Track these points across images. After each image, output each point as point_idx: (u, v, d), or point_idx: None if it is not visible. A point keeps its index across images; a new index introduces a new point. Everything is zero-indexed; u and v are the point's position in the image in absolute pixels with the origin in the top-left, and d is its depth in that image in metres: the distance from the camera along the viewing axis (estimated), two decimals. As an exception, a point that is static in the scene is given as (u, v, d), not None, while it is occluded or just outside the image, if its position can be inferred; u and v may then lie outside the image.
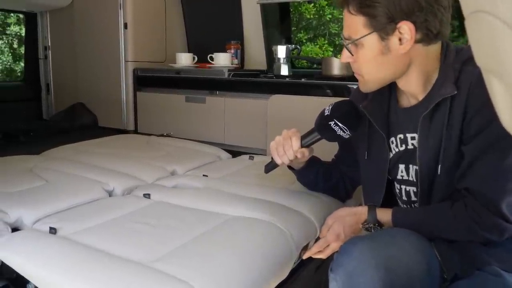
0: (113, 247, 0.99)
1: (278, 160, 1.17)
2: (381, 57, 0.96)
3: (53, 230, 1.07)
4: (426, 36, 0.93)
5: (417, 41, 0.93)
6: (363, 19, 0.94)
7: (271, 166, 1.23)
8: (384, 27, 0.93)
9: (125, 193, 1.42)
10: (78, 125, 2.82)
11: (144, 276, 0.87)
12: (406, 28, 0.91)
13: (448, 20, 0.95)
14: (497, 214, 0.93)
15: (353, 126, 1.09)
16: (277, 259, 1.04)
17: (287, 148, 1.14)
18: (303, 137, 1.15)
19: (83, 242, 1.01)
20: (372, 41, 0.95)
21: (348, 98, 1.19)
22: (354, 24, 0.96)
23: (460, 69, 0.95)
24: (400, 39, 0.93)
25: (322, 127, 1.10)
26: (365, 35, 0.95)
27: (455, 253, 0.95)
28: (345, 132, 1.08)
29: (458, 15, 0.49)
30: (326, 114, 1.09)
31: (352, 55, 0.99)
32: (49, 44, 3.07)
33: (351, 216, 1.08)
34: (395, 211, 1.05)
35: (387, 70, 0.99)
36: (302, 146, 1.14)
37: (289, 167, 1.27)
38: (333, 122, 1.07)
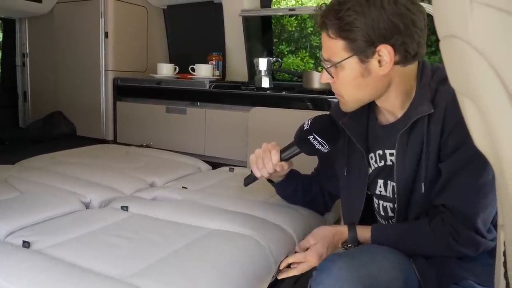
0: (89, 262, 0.97)
1: (257, 173, 1.17)
2: (361, 79, 0.97)
3: (26, 244, 1.04)
4: (404, 57, 0.95)
5: (395, 63, 0.95)
6: (342, 43, 0.95)
7: (250, 179, 1.23)
8: (363, 50, 0.94)
9: (102, 205, 1.39)
10: (56, 134, 2.77)
11: (120, 292, 0.85)
12: (385, 51, 0.93)
13: (425, 40, 0.97)
14: (473, 230, 0.95)
15: (331, 141, 1.10)
16: (255, 273, 1.04)
17: (267, 161, 1.14)
18: (282, 151, 1.15)
19: (58, 256, 0.99)
20: (352, 64, 0.96)
21: (327, 112, 1.20)
22: (334, 47, 0.97)
23: (436, 88, 0.97)
24: (379, 61, 0.95)
25: (301, 141, 1.11)
26: (345, 59, 0.96)
27: (433, 269, 0.97)
28: (323, 146, 1.09)
29: (435, 30, 0.50)
30: (305, 128, 1.10)
31: (332, 77, 1.01)
32: (27, 51, 3.01)
33: (334, 236, 1.09)
34: (374, 228, 1.06)
35: (367, 91, 1.01)
36: (281, 159, 1.15)
37: (268, 180, 1.28)
38: (312, 136, 1.08)
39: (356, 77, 0.97)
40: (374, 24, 0.91)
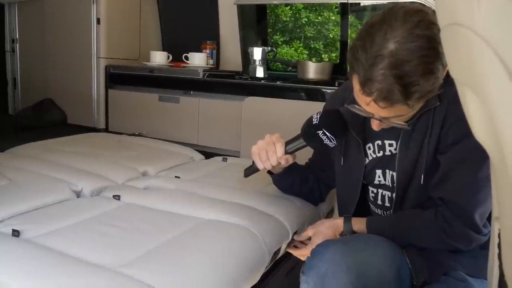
0: (79, 251, 0.95)
1: (260, 165, 1.15)
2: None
3: (16, 233, 1.02)
4: None
5: None
6: (406, 106, 0.89)
7: (251, 170, 1.21)
8: None
9: (93, 194, 1.38)
10: (46, 122, 2.73)
11: (111, 282, 0.84)
12: None
13: None
14: (468, 225, 0.95)
15: (339, 135, 1.08)
16: (249, 263, 1.03)
17: (271, 154, 1.12)
18: (287, 143, 1.13)
19: (48, 245, 0.97)
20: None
21: (322, 103, 1.19)
22: (404, 108, 0.90)
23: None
24: None
25: (309, 136, 1.09)
26: (413, 112, 0.93)
27: (425, 260, 0.97)
28: (331, 142, 1.07)
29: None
30: (314, 122, 1.07)
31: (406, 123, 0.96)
32: (17, 37, 2.96)
33: (329, 228, 1.09)
34: (369, 219, 1.07)
35: None
36: (286, 152, 1.13)
37: (268, 171, 1.27)
38: (322, 131, 1.06)
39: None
40: (435, 83, 0.87)
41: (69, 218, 1.13)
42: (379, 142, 1.07)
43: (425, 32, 0.83)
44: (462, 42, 0.42)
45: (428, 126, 0.97)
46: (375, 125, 0.97)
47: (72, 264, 0.89)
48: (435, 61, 0.84)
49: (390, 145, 1.05)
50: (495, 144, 0.45)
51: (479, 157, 0.89)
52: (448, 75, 0.96)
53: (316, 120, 1.07)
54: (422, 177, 0.99)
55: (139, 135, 2.39)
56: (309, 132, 1.08)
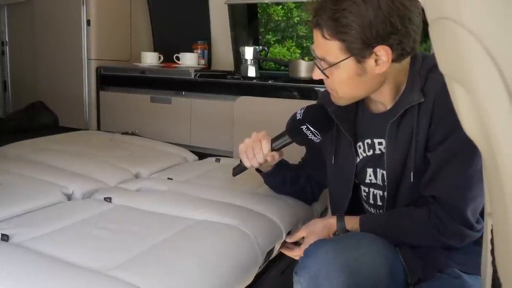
0: (70, 255, 0.94)
1: (247, 163, 1.15)
2: (357, 78, 0.95)
3: (5, 237, 1.01)
4: (401, 55, 0.94)
5: (392, 61, 0.93)
6: (338, 44, 0.92)
7: (239, 169, 1.21)
8: (360, 51, 0.91)
9: (85, 196, 1.36)
10: (38, 125, 2.70)
11: (101, 285, 0.83)
12: (382, 52, 0.91)
13: (420, 36, 0.95)
14: (461, 222, 0.95)
15: (324, 131, 1.08)
16: (242, 264, 1.02)
17: (257, 151, 1.12)
18: (273, 140, 1.14)
19: (38, 249, 0.96)
20: (348, 64, 0.93)
21: (315, 101, 1.19)
22: (329, 47, 0.94)
23: (426, 76, 0.96)
24: (376, 61, 0.92)
25: (293, 131, 1.09)
26: (341, 60, 0.93)
27: (419, 258, 0.97)
28: (316, 136, 1.07)
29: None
30: (298, 118, 1.08)
31: (327, 76, 0.98)
32: (7, 39, 2.93)
33: (323, 228, 1.09)
34: (362, 218, 1.07)
35: (362, 89, 0.99)
36: (272, 149, 1.13)
37: (257, 169, 1.26)
38: (305, 126, 1.06)
39: (351, 76, 0.95)
40: (371, 25, 0.88)
41: (59, 222, 1.12)
42: (369, 140, 1.07)
43: None
44: (450, 36, 0.41)
45: (414, 124, 0.97)
46: (314, 73, 1.00)
47: (62, 268, 0.88)
48: (382, 20, 0.87)
49: (380, 143, 1.05)
50: (485, 140, 0.45)
51: (468, 152, 0.90)
52: (429, 70, 0.96)
53: (300, 115, 1.08)
54: (412, 175, 0.99)
55: (132, 133, 2.38)
56: (293, 127, 1.09)
